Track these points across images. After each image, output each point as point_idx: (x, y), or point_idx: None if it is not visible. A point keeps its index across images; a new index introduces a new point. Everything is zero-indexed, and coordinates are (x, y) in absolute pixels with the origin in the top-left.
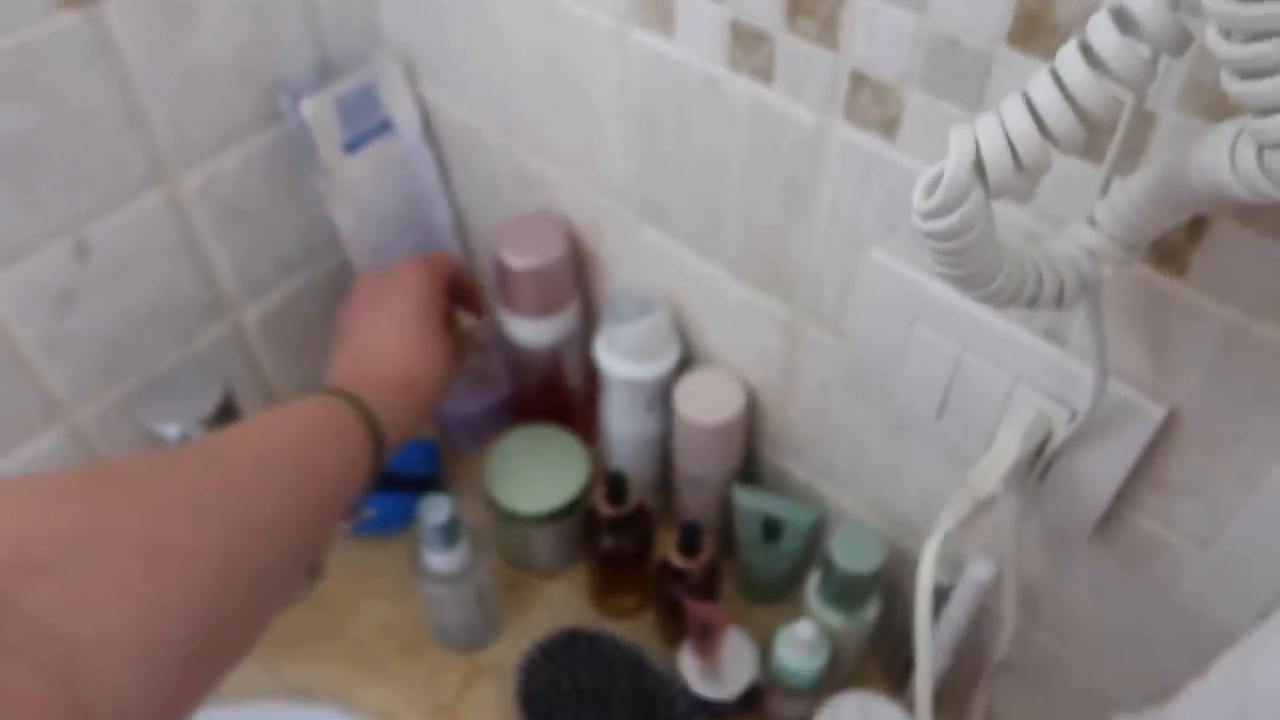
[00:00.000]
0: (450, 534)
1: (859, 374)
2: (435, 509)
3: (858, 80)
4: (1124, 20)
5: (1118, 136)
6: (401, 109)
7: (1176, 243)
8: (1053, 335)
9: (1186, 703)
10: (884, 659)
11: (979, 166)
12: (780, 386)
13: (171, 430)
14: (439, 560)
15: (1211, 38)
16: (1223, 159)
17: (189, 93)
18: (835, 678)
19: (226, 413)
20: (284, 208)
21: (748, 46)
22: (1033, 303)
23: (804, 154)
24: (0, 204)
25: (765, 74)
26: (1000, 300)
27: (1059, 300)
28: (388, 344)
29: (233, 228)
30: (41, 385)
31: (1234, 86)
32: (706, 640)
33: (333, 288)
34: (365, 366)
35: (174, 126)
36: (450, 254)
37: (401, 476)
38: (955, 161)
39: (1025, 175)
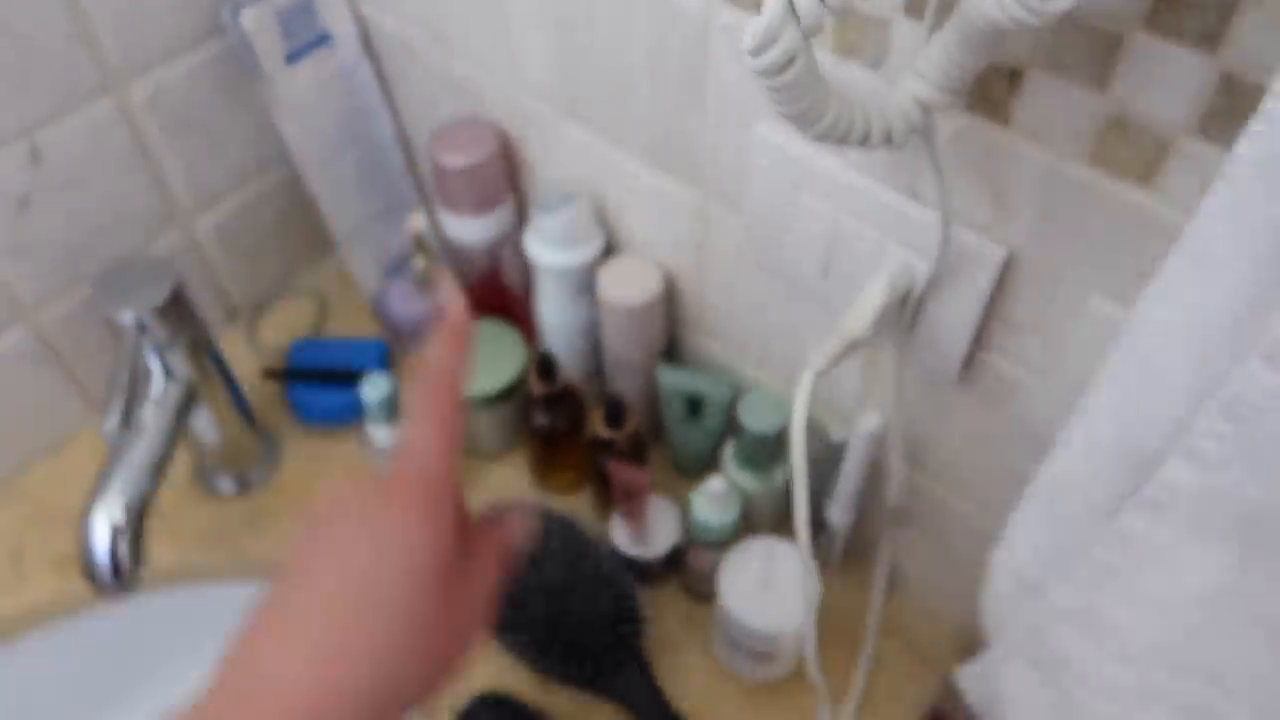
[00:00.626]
0: (391, 409)
1: (756, 245)
2: (376, 386)
3: None
4: None
5: None
6: (339, 22)
7: (999, 94)
8: (914, 194)
9: (1011, 525)
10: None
11: (792, 8)
12: (694, 268)
13: (127, 317)
14: (382, 434)
15: None
16: None
17: (133, 6)
18: (755, 534)
19: (178, 301)
20: (232, 119)
21: None
22: (864, 141)
23: (694, 41)
24: None
25: None
26: (834, 137)
27: (888, 139)
28: (324, 653)
29: (183, 138)
30: (5, 286)
31: None
32: (631, 502)
33: (284, 198)
34: (267, 690)
35: (120, 36)
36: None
37: (353, 372)
38: (769, 6)
39: (826, 10)
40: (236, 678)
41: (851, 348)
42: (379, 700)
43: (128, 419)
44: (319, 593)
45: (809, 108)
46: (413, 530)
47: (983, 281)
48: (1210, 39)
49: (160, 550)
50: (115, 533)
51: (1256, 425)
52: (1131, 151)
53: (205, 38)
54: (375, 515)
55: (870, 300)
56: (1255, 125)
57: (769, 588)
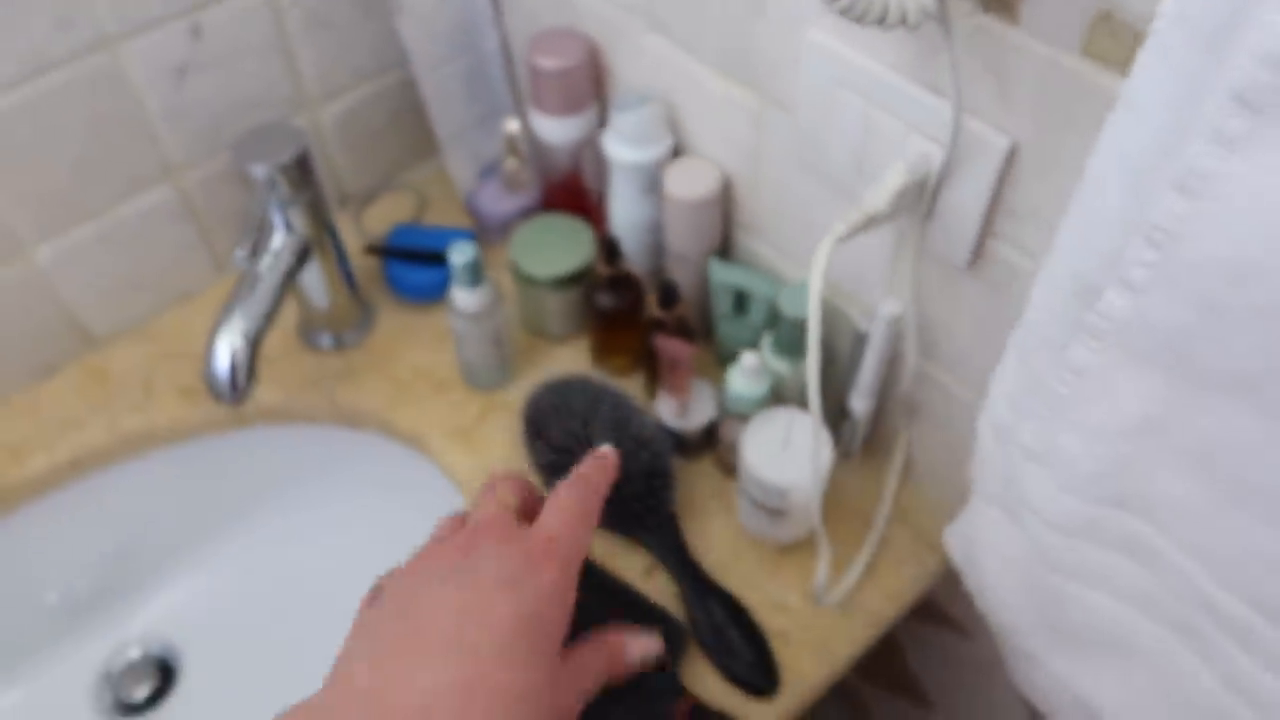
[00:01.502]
0: (474, 273)
1: (803, 146)
2: (462, 250)
3: None
4: None
5: None
6: None
7: None
8: (934, 89)
9: (992, 383)
10: (827, 410)
11: None
12: (750, 171)
13: (259, 171)
14: (464, 297)
15: None
16: None
17: None
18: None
19: (302, 164)
20: (361, 20)
21: None
22: (882, 20)
23: None
24: None
25: None
26: (855, 14)
27: (904, 20)
28: (462, 690)
29: (317, 32)
30: (159, 146)
31: None
32: (675, 374)
33: (397, 99)
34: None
35: None
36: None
37: (441, 253)
38: None
39: None
40: (363, 702)
41: (871, 221)
42: None
43: (254, 255)
44: (452, 630)
45: None
46: (553, 593)
47: (989, 169)
48: None
49: (267, 390)
50: (234, 353)
51: (1172, 251)
52: (1115, 43)
53: None
54: (518, 568)
55: (890, 180)
56: None
57: (786, 449)
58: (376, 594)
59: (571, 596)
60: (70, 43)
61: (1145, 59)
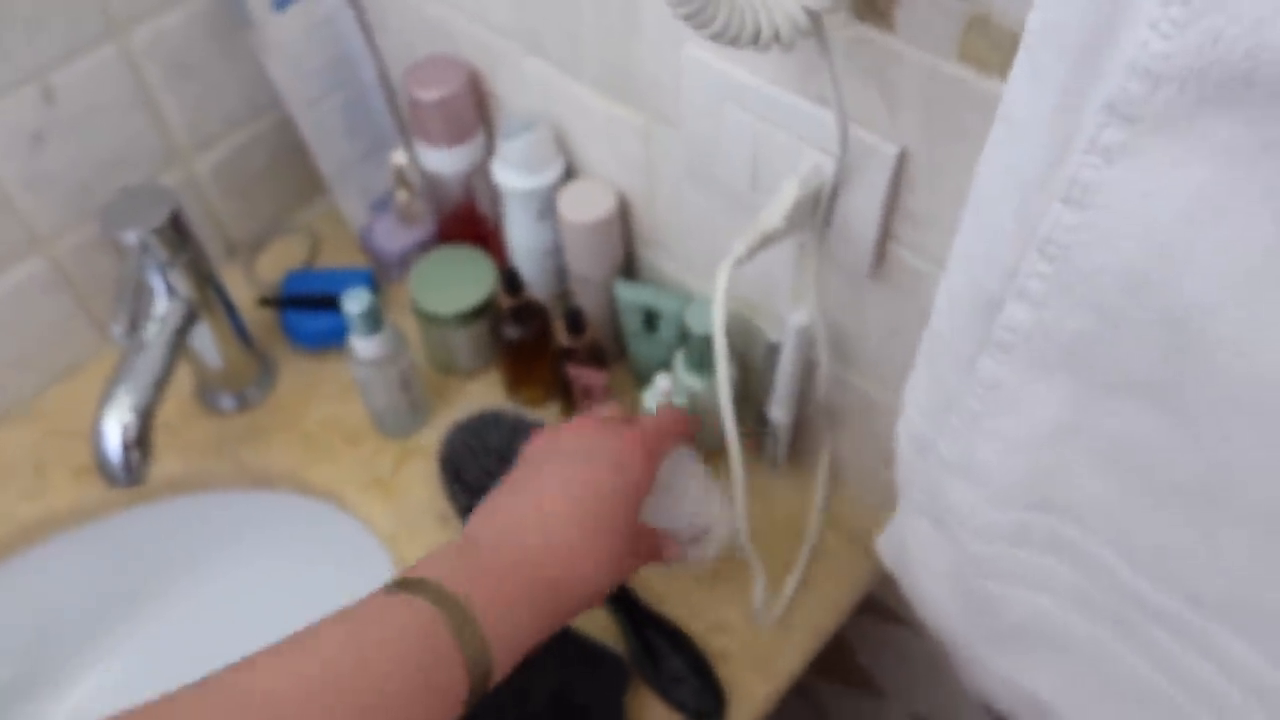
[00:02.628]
0: (372, 320)
1: (693, 160)
2: (356, 298)
3: None
4: None
5: None
6: None
7: (883, 2)
8: (821, 100)
9: (905, 393)
10: (744, 423)
11: None
12: (644, 188)
13: (130, 237)
14: (364, 345)
15: None
16: None
17: None
18: (705, 441)
19: (177, 223)
20: (226, 65)
21: None
22: (755, 41)
23: None
24: None
25: None
26: (727, 37)
27: (777, 39)
28: (552, 527)
29: (181, 82)
30: (22, 218)
31: None
32: (589, 401)
33: (277, 140)
34: (505, 543)
35: None
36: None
37: (336, 297)
38: None
39: None
40: (505, 516)
41: (767, 240)
42: (591, 589)
43: (134, 327)
44: (571, 482)
45: (700, 10)
46: (640, 466)
47: (881, 177)
48: None
49: (169, 461)
50: (125, 431)
51: (1065, 262)
52: (993, 48)
53: None
54: (613, 447)
55: (784, 196)
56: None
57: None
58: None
59: (650, 481)
60: None
61: (1018, 73)
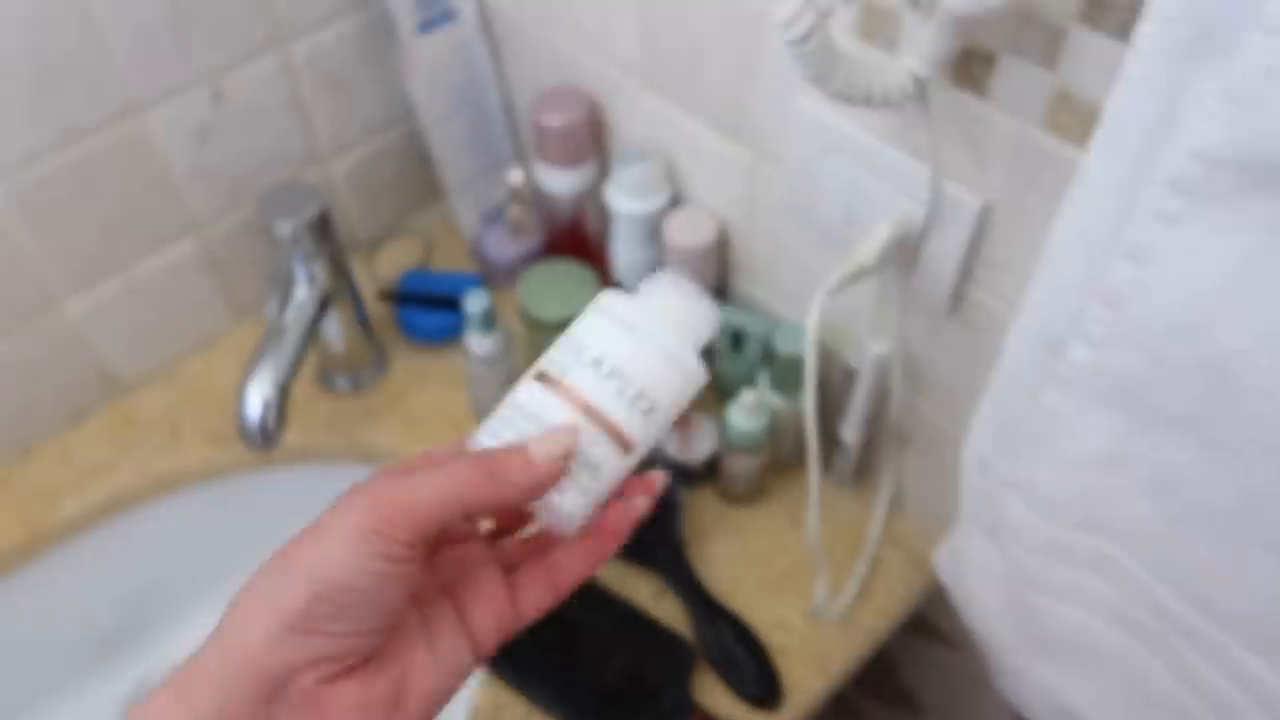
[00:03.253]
0: (487, 321)
1: (794, 198)
2: (476, 300)
3: None
4: None
5: None
6: (464, 1)
7: (980, 73)
8: (915, 153)
9: (974, 418)
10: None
11: None
12: (744, 220)
13: (284, 228)
14: (479, 342)
15: None
16: None
17: None
18: (780, 456)
19: (323, 220)
20: (370, 78)
21: None
22: (868, 101)
23: (750, 26)
24: (165, 53)
25: None
26: (844, 96)
27: (887, 101)
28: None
29: (329, 92)
30: (184, 203)
31: None
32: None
33: (404, 151)
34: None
35: (289, 2)
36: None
37: (451, 298)
38: None
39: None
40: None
41: (859, 274)
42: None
43: (283, 309)
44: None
45: (824, 72)
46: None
47: (965, 226)
48: (1126, 31)
49: (289, 432)
50: (265, 401)
51: (1124, 310)
52: (1074, 119)
53: (354, 9)
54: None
55: (876, 237)
56: (1117, 84)
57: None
58: None
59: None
60: (100, 111)
61: (1095, 146)
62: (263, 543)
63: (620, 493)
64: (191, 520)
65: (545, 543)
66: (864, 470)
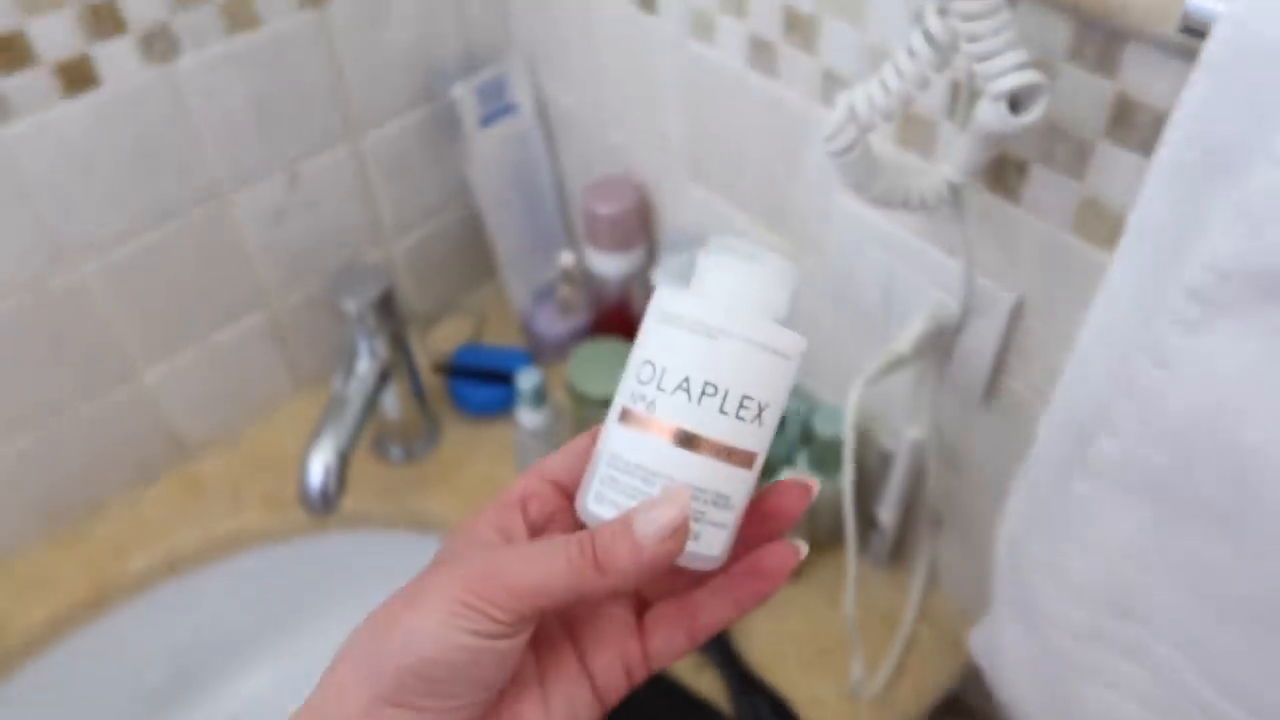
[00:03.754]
0: (539, 396)
1: (833, 289)
2: (529, 377)
3: (828, 76)
4: (929, 36)
5: (962, 105)
6: (523, 95)
7: (1012, 179)
8: (950, 251)
9: (1007, 501)
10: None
11: (853, 113)
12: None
13: (351, 306)
14: (530, 417)
15: (963, 47)
16: (983, 110)
17: (375, 76)
18: (818, 535)
19: (387, 299)
20: (432, 165)
21: (760, 52)
22: (906, 205)
23: (796, 128)
24: (249, 142)
25: (772, 71)
26: (883, 202)
27: (924, 205)
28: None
29: (394, 178)
30: (257, 278)
31: (975, 68)
32: None
33: (460, 232)
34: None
35: (362, 98)
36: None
37: (503, 372)
38: (837, 110)
39: (877, 115)
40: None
41: (897, 363)
42: None
43: (347, 380)
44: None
45: (864, 180)
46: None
47: (999, 319)
48: (1148, 148)
49: (345, 499)
50: (327, 469)
51: (1149, 406)
52: (1100, 225)
53: (421, 102)
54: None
55: (913, 328)
56: (1137, 200)
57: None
58: None
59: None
60: (188, 193)
61: (1120, 253)
62: (315, 605)
63: (764, 512)
64: (248, 581)
65: (685, 579)
66: (900, 551)
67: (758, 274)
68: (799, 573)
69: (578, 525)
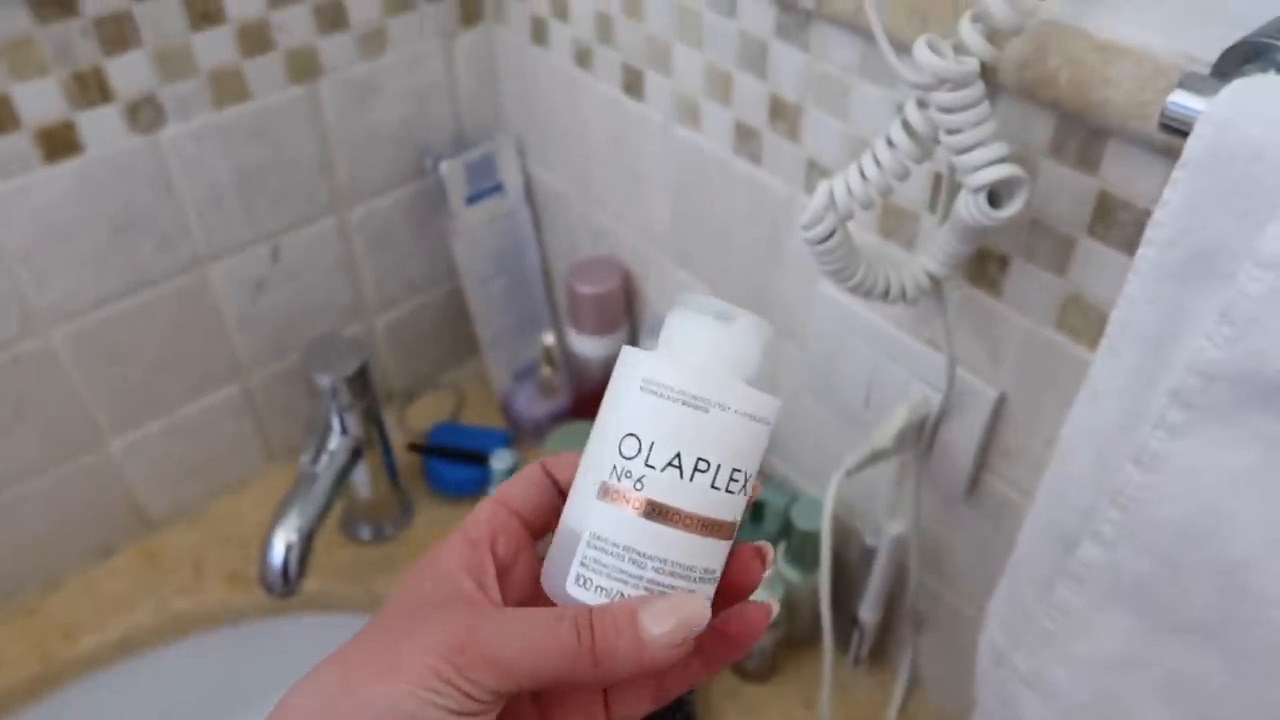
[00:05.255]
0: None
1: (815, 378)
2: (502, 458)
3: (811, 165)
4: (909, 127)
5: (943, 198)
6: (511, 175)
7: (994, 273)
8: (932, 344)
9: (989, 608)
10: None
11: (832, 201)
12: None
13: (324, 380)
14: None
15: (943, 139)
16: (963, 202)
17: (364, 151)
18: (796, 632)
19: (363, 374)
20: (416, 243)
21: (745, 139)
22: (885, 296)
23: (779, 214)
24: (232, 213)
25: (756, 158)
26: (862, 291)
27: (903, 296)
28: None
29: (378, 253)
30: (232, 351)
31: (954, 160)
32: None
33: (443, 309)
34: None
35: (350, 173)
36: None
37: (478, 453)
38: (816, 198)
39: (855, 203)
40: None
41: (877, 457)
42: None
43: (316, 458)
44: None
45: (843, 269)
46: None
47: (981, 415)
48: (1131, 245)
49: (309, 580)
50: (289, 549)
51: (1134, 512)
52: (1084, 321)
53: (410, 179)
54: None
55: (894, 420)
56: (1119, 300)
57: None
58: None
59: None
60: (168, 263)
61: (1102, 354)
62: (273, 689)
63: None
64: (205, 663)
65: None
66: (880, 651)
67: (734, 335)
68: (773, 670)
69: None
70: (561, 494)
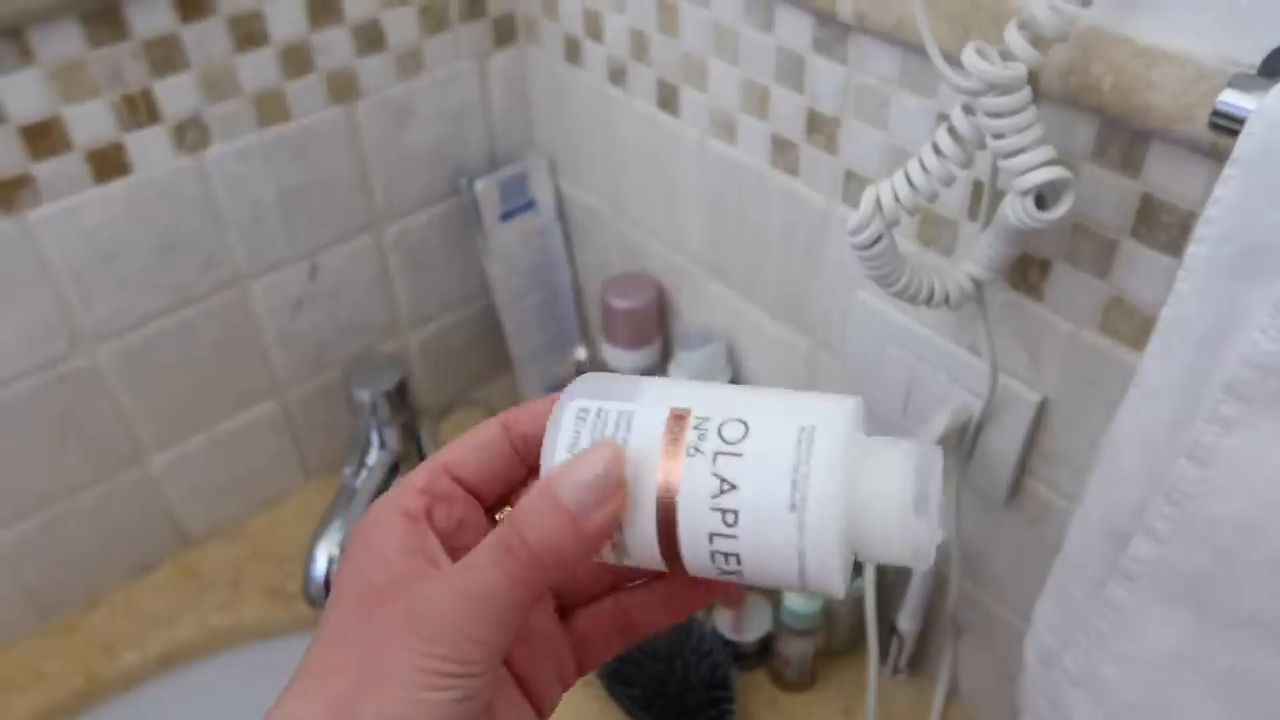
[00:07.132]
0: None
1: (852, 386)
2: None
3: (850, 175)
4: (955, 133)
5: (984, 204)
6: (544, 193)
7: (1035, 278)
8: (973, 349)
9: (1035, 611)
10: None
11: (879, 206)
12: None
13: (364, 395)
14: None
15: (990, 143)
16: (1009, 205)
17: (400, 170)
18: (834, 640)
19: (402, 390)
20: (451, 260)
21: (783, 151)
22: (929, 301)
23: (816, 226)
24: (273, 232)
25: (793, 170)
26: (907, 295)
27: (947, 301)
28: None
29: (413, 270)
30: (271, 368)
31: (1003, 164)
32: (730, 587)
33: (476, 326)
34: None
35: (386, 192)
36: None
37: None
38: (863, 204)
39: (902, 209)
40: None
41: None
42: None
43: (357, 471)
44: None
45: (889, 274)
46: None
47: (1023, 420)
48: (1174, 247)
49: None
50: (331, 561)
51: (1188, 507)
52: (1128, 323)
53: (444, 197)
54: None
55: (934, 426)
56: (1170, 297)
57: None
58: None
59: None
60: (210, 281)
61: (1153, 350)
62: None
63: None
64: (244, 677)
65: (615, 577)
66: (920, 660)
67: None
68: (813, 680)
69: (489, 529)
70: (521, 454)
